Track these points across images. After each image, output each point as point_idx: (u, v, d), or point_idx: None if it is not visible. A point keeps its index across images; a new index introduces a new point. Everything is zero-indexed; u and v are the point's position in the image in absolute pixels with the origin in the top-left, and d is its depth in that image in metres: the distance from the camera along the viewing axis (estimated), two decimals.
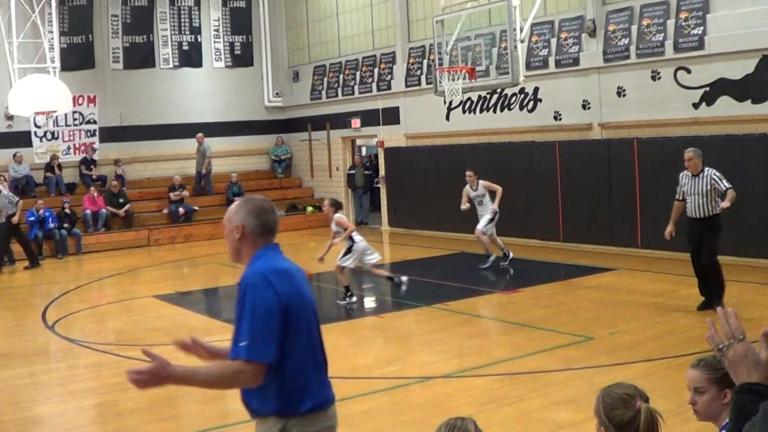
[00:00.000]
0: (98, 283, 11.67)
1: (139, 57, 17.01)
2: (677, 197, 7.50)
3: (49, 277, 12.17)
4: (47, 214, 13.83)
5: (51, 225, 13.80)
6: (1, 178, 13.84)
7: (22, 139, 15.53)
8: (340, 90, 16.72)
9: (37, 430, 5.57)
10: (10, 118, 15.13)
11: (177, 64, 17.55)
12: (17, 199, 13.04)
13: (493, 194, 10.40)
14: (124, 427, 5.40)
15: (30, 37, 14.43)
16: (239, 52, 18.38)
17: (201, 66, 17.84)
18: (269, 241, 2.64)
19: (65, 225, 14.06)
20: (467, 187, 10.46)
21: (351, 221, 16.76)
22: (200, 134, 16.64)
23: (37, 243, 13.57)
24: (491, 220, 10.33)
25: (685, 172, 7.36)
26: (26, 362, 7.20)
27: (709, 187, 7.21)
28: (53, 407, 5.95)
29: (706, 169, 7.28)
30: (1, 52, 14.30)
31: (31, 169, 15.39)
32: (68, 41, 16.01)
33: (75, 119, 16.15)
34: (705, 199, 7.23)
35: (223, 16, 18.13)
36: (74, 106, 15.15)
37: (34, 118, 14.95)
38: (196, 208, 16.01)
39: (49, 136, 15.91)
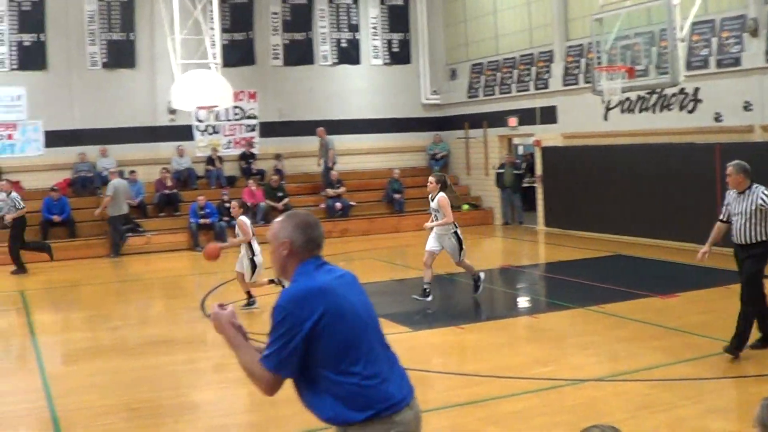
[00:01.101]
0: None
1: (298, 54, 21.65)
2: (721, 217, 7.90)
3: (207, 267, 15.30)
4: (208, 207, 18.45)
5: (208, 219, 18.22)
6: (6, 182, 16.84)
7: (185, 132, 20.55)
8: (497, 88, 20.43)
9: (195, 414, 7.03)
10: (173, 112, 20.09)
11: (335, 61, 22.06)
12: (23, 205, 15.90)
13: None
14: (277, 415, 6.62)
15: (192, 33, 19.20)
16: (397, 50, 22.64)
17: (359, 63, 22.26)
18: (316, 255, 3.30)
19: (224, 217, 18.60)
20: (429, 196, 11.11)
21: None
22: (320, 128, 20.69)
23: (192, 233, 18.17)
24: (460, 244, 10.89)
25: (731, 189, 7.70)
26: (185, 349, 9.24)
27: (753, 207, 7.36)
28: (210, 394, 7.61)
29: (755, 185, 7.51)
30: (164, 48, 19.15)
31: (193, 162, 20.34)
32: (229, 38, 20.89)
33: (235, 114, 21.05)
34: (749, 222, 7.41)
35: (381, 14, 22.47)
36: (235, 101, 19.88)
37: (196, 113, 19.86)
38: (353, 203, 20.17)
39: (210, 130, 20.91)
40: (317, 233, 3.32)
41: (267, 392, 3.16)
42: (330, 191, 20.18)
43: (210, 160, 20.49)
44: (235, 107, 20.77)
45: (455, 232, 10.82)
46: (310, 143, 21.11)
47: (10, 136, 19.21)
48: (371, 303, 3.40)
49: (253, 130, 21.34)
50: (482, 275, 11.34)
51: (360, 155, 22.04)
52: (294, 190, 20.51)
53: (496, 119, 20.52)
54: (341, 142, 21.35)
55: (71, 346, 9.98)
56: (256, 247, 10.79)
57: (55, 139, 19.40)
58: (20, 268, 15.72)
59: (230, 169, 20.82)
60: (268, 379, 3.11)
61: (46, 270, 16.05)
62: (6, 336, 10.75)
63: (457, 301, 12.16)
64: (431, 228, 10.80)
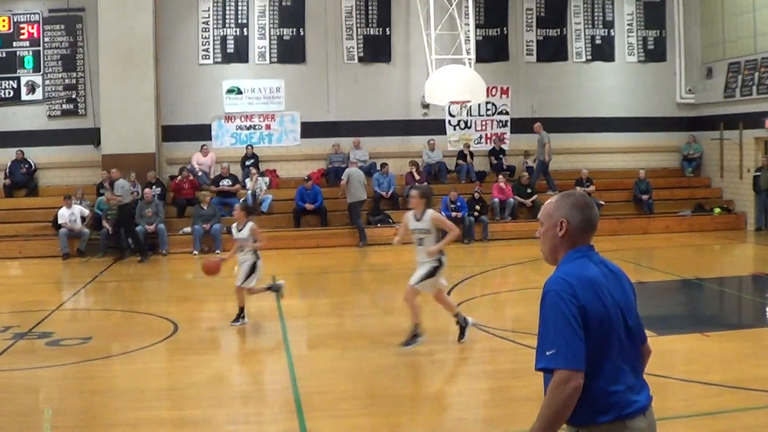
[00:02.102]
0: (501, 270, 16.67)
1: (552, 50, 23.48)
2: None
3: (454, 260, 17.74)
4: (459, 201, 20.51)
5: (459, 213, 20.19)
6: (115, 171, 19.56)
7: (437, 127, 22.88)
8: (755, 88, 21.16)
9: (432, 407, 7.85)
10: (426, 106, 22.53)
11: (589, 57, 23.69)
12: (134, 190, 19.12)
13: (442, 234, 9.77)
14: (514, 413, 7.18)
15: (447, 29, 21.59)
16: (652, 47, 23.91)
17: (613, 60, 23.73)
18: (587, 240, 3.46)
19: (474, 212, 20.56)
20: (408, 214, 9.87)
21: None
22: (537, 124, 22.00)
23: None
24: (431, 273, 9.55)
25: None
26: (426, 341, 9.84)
27: None
28: (449, 387, 8.46)
29: None
30: (419, 43, 21.69)
31: (444, 156, 22.61)
32: (483, 34, 23.12)
33: (488, 110, 23.18)
34: None
35: (637, 11, 23.84)
36: (487, 96, 22.00)
37: (449, 107, 22.17)
38: (602, 202, 21.54)
39: (462, 125, 23.17)
40: (593, 213, 3.48)
41: (578, 391, 3.21)
42: (578, 189, 21.66)
43: (461, 155, 22.65)
44: (488, 103, 22.90)
45: (439, 258, 9.52)
46: (561, 140, 22.58)
47: (268, 127, 22.48)
48: (635, 303, 3.55)
49: (504, 125, 23.36)
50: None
51: (611, 154, 23.48)
52: (544, 187, 22.07)
53: (753, 120, 21.20)
54: (591, 141, 23.00)
55: (317, 330, 11.49)
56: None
57: (310, 130, 22.46)
58: (143, 256, 18.69)
59: (479, 164, 22.85)
60: (571, 378, 3.19)
61: (298, 257, 18.71)
62: (257, 318, 12.22)
63: (703, 306, 12.88)
64: (436, 250, 9.46)
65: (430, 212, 9.58)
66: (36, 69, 22.25)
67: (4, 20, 22.19)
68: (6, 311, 13.65)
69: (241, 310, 11.41)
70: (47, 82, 22.23)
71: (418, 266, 9.62)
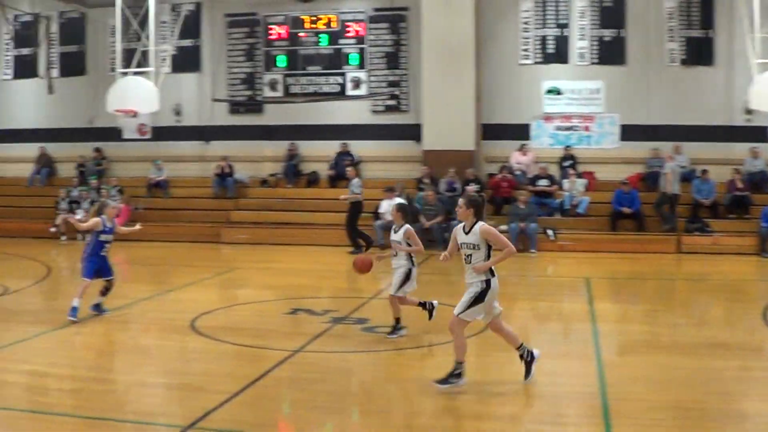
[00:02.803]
0: None
1: None
2: None
3: None
4: None
5: None
6: (351, 169, 22.09)
7: (761, 134, 23.95)
8: None
9: (741, 425, 7.86)
10: (749, 112, 23.41)
11: None
12: (359, 191, 21.60)
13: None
14: None
15: None
16: None
17: None
18: None
19: None
20: (458, 226, 9.42)
21: None
22: None
23: (762, 237, 20.96)
24: (479, 298, 9.08)
25: None
26: (740, 355, 10.19)
27: None
28: (761, 405, 8.35)
29: None
30: (743, 45, 22.45)
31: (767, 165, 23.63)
32: None
33: None
34: None
35: None
36: None
37: None
38: None
39: None
40: None
41: None
42: None
43: None
44: None
45: (488, 280, 9.05)
46: None
47: (586, 128, 24.42)
48: None
49: None
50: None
51: None
52: None
53: None
54: None
55: (629, 337, 11.98)
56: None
57: (629, 133, 24.10)
58: (356, 248, 21.18)
59: None
60: None
61: (613, 261, 20.25)
62: (568, 320, 13.17)
63: None
64: (483, 269, 8.99)
65: (479, 225, 9.03)
66: (361, 66, 25.48)
67: (332, 18, 25.55)
68: (326, 296, 15.96)
69: (397, 320, 11.53)
70: (371, 78, 25.39)
71: (466, 288, 9.08)
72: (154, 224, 23.02)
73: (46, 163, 28.64)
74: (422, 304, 11.86)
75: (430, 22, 23.60)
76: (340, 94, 25.50)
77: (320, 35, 25.80)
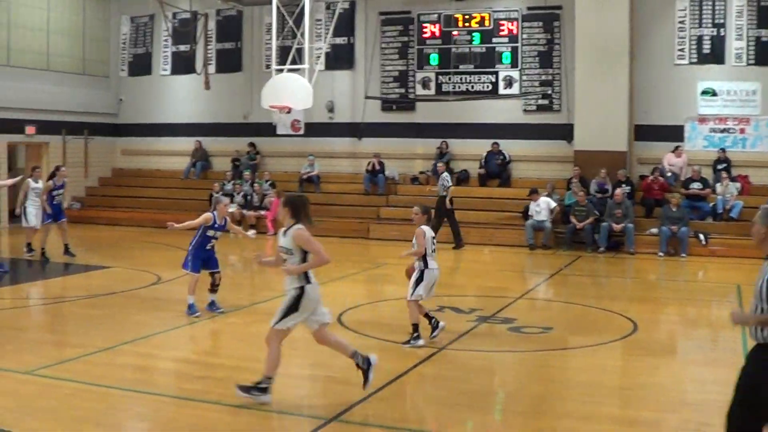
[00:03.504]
0: None
1: None
2: None
3: None
4: None
5: None
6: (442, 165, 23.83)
7: None
8: None
9: None
10: None
11: None
12: (450, 184, 23.86)
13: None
14: None
15: None
16: None
17: None
18: None
19: None
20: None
21: None
22: None
23: None
24: (293, 306, 9.15)
25: None
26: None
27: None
28: None
29: None
30: None
31: None
32: None
33: None
34: (757, 309, 6.39)
35: None
36: None
37: None
38: None
39: None
40: None
41: None
42: None
43: None
44: None
45: (302, 287, 9.13)
46: None
47: (742, 131, 26.04)
48: None
49: None
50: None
51: None
52: None
53: None
54: None
55: None
56: (431, 261, 11.99)
57: None
58: (458, 244, 23.66)
59: None
60: None
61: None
62: (717, 327, 13.78)
63: None
64: (294, 272, 9.09)
65: (294, 228, 9.02)
66: (513, 64, 27.81)
67: (485, 17, 28.03)
68: (473, 294, 17.10)
69: (415, 327, 11.83)
70: (524, 77, 27.70)
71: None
72: None
73: (201, 157, 32.03)
74: (428, 317, 12.18)
75: (584, 20, 25.41)
76: (492, 93, 27.76)
77: (473, 34, 28.17)
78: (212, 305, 14.23)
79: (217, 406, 9.13)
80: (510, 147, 27.52)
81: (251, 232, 16.85)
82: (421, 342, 11.87)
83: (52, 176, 20.90)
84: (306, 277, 9.03)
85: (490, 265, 22.45)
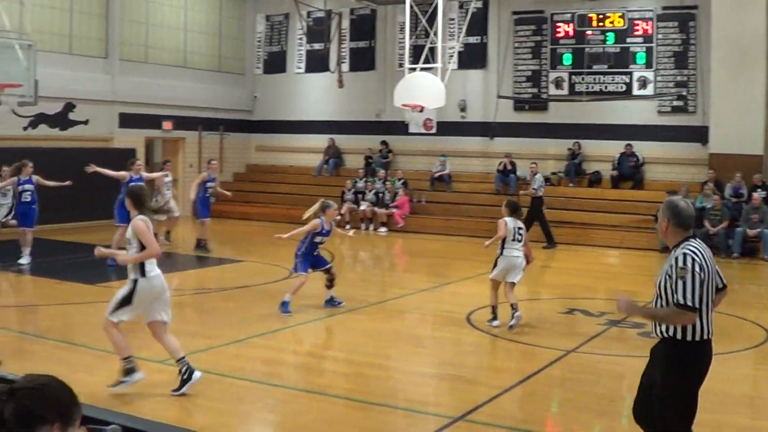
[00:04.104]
0: None
1: None
2: None
3: None
4: None
5: None
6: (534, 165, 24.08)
7: None
8: None
9: None
10: None
11: None
12: (544, 185, 24.81)
13: None
14: None
15: None
16: None
17: None
18: None
19: None
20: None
21: None
22: None
23: None
24: (126, 299, 9.48)
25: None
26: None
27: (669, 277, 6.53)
28: None
29: (686, 242, 6.58)
30: None
31: None
32: None
33: None
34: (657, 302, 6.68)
35: None
36: None
37: None
38: None
39: None
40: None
41: None
42: None
43: None
44: None
45: (135, 279, 9.50)
46: None
47: None
48: None
49: None
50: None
51: None
52: None
53: None
54: None
55: None
56: (509, 249, 13.55)
57: None
58: (549, 244, 24.38)
59: None
60: None
61: None
62: None
63: None
64: (123, 262, 9.69)
65: (135, 219, 9.40)
66: (648, 65, 27.93)
67: (619, 17, 28.22)
68: (602, 297, 17.29)
69: (492, 309, 13.64)
70: (658, 78, 27.81)
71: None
72: (435, 217, 26.75)
73: (334, 154, 33.12)
74: (512, 307, 13.51)
75: (721, 20, 25.42)
76: (626, 94, 27.99)
77: (607, 33, 28.41)
78: (331, 301, 14.96)
79: (344, 400, 9.50)
80: (643, 149, 27.67)
81: (351, 231, 17.79)
82: (496, 323, 13.36)
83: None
84: (141, 271, 9.29)
85: (620, 268, 22.74)
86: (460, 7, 30.43)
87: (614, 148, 27.96)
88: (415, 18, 28.29)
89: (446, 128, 30.94)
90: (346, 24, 33.02)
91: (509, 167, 29.06)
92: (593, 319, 14.45)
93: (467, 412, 9.03)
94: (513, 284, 13.58)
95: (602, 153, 28.44)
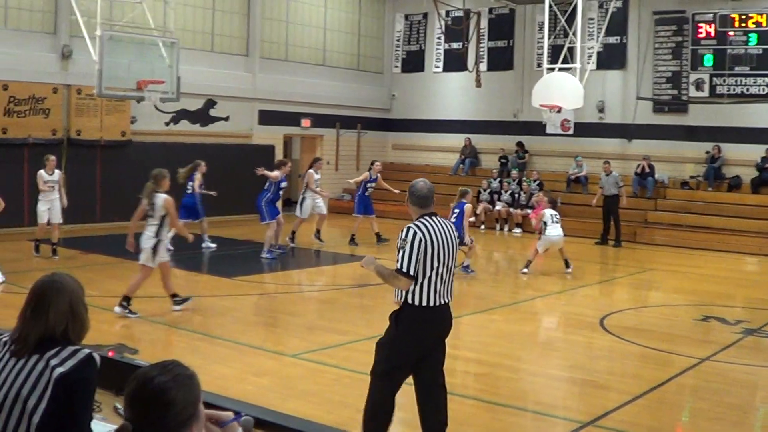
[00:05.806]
0: None
1: None
2: None
3: None
4: None
5: None
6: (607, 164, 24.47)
7: None
8: None
9: None
10: None
11: None
12: (622, 184, 26.10)
13: None
14: None
15: None
16: None
17: None
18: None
19: None
20: None
21: None
22: None
23: None
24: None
25: None
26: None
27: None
28: None
29: None
30: None
31: None
32: None
33: None
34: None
35: None
36: None
37: None
38: None
39: None
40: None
41: None
42: None
43: None
44: None
45: None
46: None
47: None
48: None
49: None
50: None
51: None
52: None
53: None
54: None
55: None
56: (548, 230, 19.46)
57: None
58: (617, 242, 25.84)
59: None
60: None
61: None
62: None
63: None
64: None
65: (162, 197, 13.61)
66: None
67: (762, 17, 28.57)
68: (740, 305, 17.48)
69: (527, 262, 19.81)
70: None
71: None
72: (570, 219, 27.67)
73: (470, 154, 34.37)
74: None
75: None
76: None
77: (749, 34, 28.74)
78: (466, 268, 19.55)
79: (474, 401, 9.75)
80: None
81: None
82: (525, 271, 19.54)
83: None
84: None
85: (758, 276, 22.96)
86: (600, 6, 31.31)
87: (755, 152, 28.35)
88: (554, 18, 29.11)
89: (584, 129, 31.71)
90: (484, 23, 34.21)
91: (647, 170, 29.65)
92: (728, 327, 14.49)
93: (597, 418, 9.17)
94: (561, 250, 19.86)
95: (743, 157, 28.83)
